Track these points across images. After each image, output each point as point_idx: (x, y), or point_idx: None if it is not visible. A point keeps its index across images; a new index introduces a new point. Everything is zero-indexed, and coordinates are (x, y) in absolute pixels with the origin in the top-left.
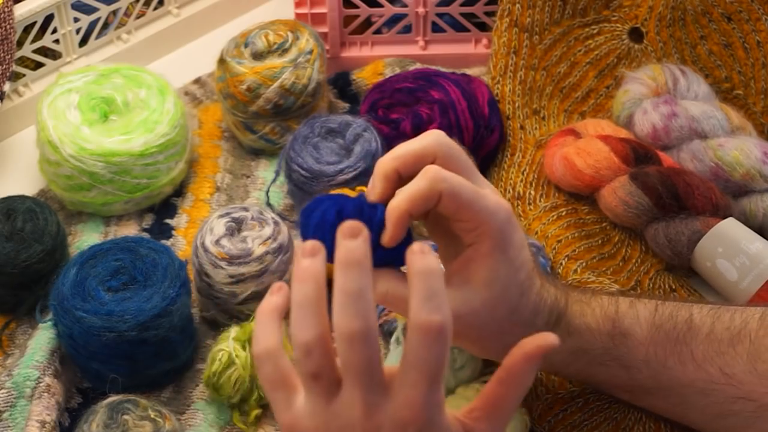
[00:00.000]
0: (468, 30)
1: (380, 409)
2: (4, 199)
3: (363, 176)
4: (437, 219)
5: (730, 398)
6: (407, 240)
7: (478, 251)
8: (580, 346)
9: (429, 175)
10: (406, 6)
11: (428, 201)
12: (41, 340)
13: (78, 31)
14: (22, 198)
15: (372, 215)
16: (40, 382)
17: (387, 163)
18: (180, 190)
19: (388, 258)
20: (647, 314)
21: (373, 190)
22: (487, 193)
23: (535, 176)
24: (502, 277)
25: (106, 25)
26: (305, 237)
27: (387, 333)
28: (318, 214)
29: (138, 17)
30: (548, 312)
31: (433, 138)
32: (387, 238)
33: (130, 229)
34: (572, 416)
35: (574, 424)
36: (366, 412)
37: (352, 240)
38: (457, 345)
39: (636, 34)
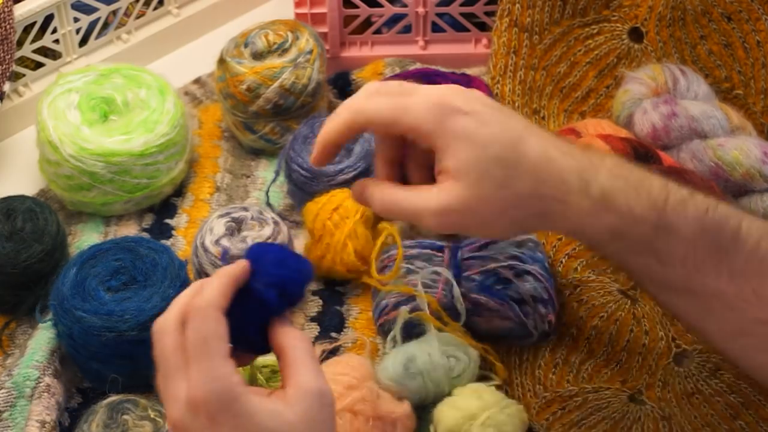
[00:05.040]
0: (468, 30)
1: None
2: (4, 199)
3: (363, 176)
4: (416, 163)
5: (754, 319)
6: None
7: (438, 153)
8: (620, 229)
9: (345, 107)
10: (406, 6)
11: (349, 130)
12: (41, 340)
13: (78, 31)
14: (22, 198)
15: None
16: (40, 382)
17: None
18: (180, 190)
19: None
20: (697, 214)
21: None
22: (409, 102)
23: None
24: (466, 160)
25: (106, 25)
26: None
27: (386, 332)
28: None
29: (138, 17)
30: (560, 180)
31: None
32: (313, 159)
33: (130, 229)
34: (570, 414)
35: (572, 422)
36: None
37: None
38: (464, 233)
39: (636, 34)
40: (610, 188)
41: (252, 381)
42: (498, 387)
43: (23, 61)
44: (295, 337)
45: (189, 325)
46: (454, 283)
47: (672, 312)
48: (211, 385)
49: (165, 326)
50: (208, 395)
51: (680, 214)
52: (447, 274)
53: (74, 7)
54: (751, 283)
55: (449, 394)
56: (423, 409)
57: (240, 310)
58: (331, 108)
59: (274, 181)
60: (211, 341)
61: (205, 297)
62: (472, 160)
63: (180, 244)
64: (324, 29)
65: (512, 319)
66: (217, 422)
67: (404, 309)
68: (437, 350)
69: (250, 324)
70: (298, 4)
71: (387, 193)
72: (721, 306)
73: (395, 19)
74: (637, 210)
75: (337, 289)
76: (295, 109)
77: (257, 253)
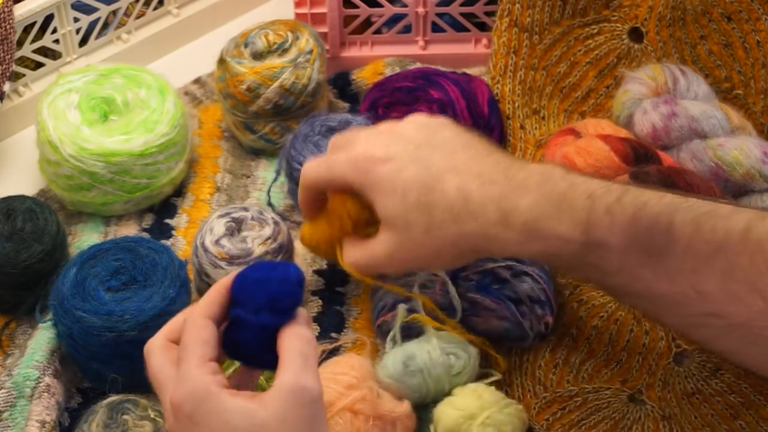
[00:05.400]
0: (468, 30)
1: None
2: (4, 199)
3: None
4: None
5: (701, 313)
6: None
7: (371, 204)
8: (550, 252)
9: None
10: (406, 6)
11: (312, 194)
12: (41, 340)
13: (78, 31)
14: (22, 198)
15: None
16: (40, 382)
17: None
18: (180, 190)
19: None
20: (624, 221)
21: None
22: (334, 161)
23: None
24: (392, 209)
25: (106, 25)
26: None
27: (385, 332)
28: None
29: (138, 17)
30: (479, 214)
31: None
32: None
33: (130, 229)
34: (570, 415)
35: (572, 422)
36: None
37: None
38: (420, 271)
39: (636, 34)
40: (532, 216)
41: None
42: (498, 382)
43: (23, 61)
44: (290, 337)
45: (183, 332)
46: (449, 282)
47: (634, 309)
48: (186, 384)
49: (152, 346)
50: (184, 395)
51: (606, 227)
52: (443, 274)
53: (74, 7)
54: (690, 281)
55: (449, 392)
56: (423, 409)
57: (244, 338)
58: (332, 108)
59: (275, 180)
60: (190, 345)
61: (195, 308)
62: (397, 209)
63: (180, 244)
64: (324, 29)
65: (509, 319)
66: (196, 422)
67: (402, 307)
68: (437, 348)
69: (258, 348)
70: (298, 4)
71: (348, 256)
72: (668, 304)
73: (395, 19)
74: (561, 231)
75: (338, 289)
76: (295, 109)
77: (239, 283)
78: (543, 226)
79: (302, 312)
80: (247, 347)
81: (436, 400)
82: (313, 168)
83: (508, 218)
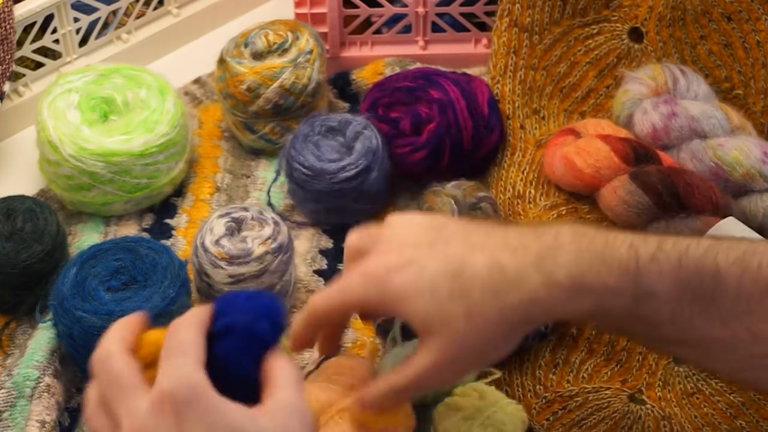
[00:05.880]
0: (468, 30)
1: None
2: (4, 199)
3: (365, 173)
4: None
5: (755, 354)
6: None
7: (400, 318)
8: (601, 308)
9: (304, 310)
10: (406, 6)
11: (311, 326)
12: (41, 340)
13: (78, 31)
14: (22, 198)
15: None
16: (40, 382)
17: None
18: (180, 190)
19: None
20: (671, 271)
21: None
22: (344, 284)
23: (535, 175)
24: (424, 312)
25: (106, 25)
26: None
27: (385, 332)
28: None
29: (138, 17)
30: (520, 283)
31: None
32: (290, 345)
33: (130, 229)
34: (570, 414)
35: (572, 422)
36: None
37: None
38: (471, 373)
39: (636, 34)
40: (578, 271)
41: None
42: (498, 382)
43: (23, 61)
44: (282, 359)
45: (169, 335)
46: None
47: (676, 356)
48: (183, 378)
49: (109, 351)
50: (177, 386)
51: (655, 274)
52: None
53: (74, 7)
54: (744, 323)
55: (450, 392)
56: (423, 409)
57: (232, 350)
58: (332, 108)
59: (275, 180)
60: (189, 346)
61: (186, 315)
62: (429, 309)
63: (180, 244)
64: (324, 29)
65: None
66: (185, 417)
67: None
68: None
69: (244, 366)
70: (298, 4)
71: (380, 388)
72: (720, 349)
73: (395, 19)
74: (611, 283)
75: None
76: (295, 109)
77: (226, 300)
78: (591, 280)
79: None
80: (234, 362)
81: (436, 400)
82: (323, 297)
83: (553, 277)
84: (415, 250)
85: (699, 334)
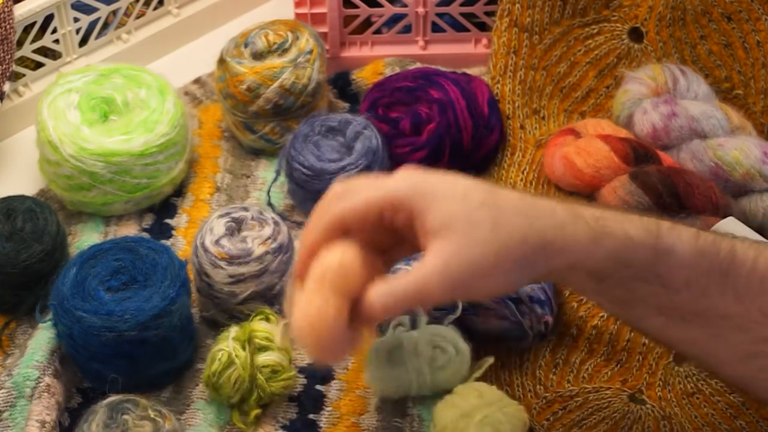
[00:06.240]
0: (468, 30)
1: None
2: (4, 199)
3: (365, 173)
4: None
5: (763, 338)
6: None
7: (419, 217)
8: (622, 255)
9: (318, 214)
10: (406, 6)
11: (330, 234)
12: (41, 340)
13: (78, 31)
14: (22, 198)
15: None
16: (40, 382)
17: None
18: (180, 190)
19: None
20: (690, 238)
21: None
22: (382, 182)
23: (535, 175)
24: (450, 212)
25: (106, 25)
26: None
27: (383, 332)
28: None
29: (138, 17)
30: (550, 212)
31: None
32: (294, 272)
33: (130, 229)
34: (570, 414)
35: (572, 422)
36: None
37: None
38: (471, 294)
39: (636, 34)
40: (602, 216)
41: (252, 381)
42: (498, 381)
43: (23, 61)
44: None
45: None
46: None
47: (682, 346)
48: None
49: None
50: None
51: (676, 237)
52: None
53: (74, 7)
54: (756, 302)
55: (449, 390)
56: (424, 408)
57: None
58: (332, 108)
59: (275, 180)
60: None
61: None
62: (458, 211)
63: (180, 244)
64: (324, 29)
65: (509, 319)
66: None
67: None
68: (424, 339)
69: None
70: (298, 4)
71: (381, 292)
72: (730, 328)
73: (395, 19)
74: (633, 234)
75: None
76: (295, 109)
77: None
78: (615, 226)
79: None
80: None
81: (421, 391)
82: (352, 199)
83: (580, 215)
84: (450, 175)
85: (712, 304)
